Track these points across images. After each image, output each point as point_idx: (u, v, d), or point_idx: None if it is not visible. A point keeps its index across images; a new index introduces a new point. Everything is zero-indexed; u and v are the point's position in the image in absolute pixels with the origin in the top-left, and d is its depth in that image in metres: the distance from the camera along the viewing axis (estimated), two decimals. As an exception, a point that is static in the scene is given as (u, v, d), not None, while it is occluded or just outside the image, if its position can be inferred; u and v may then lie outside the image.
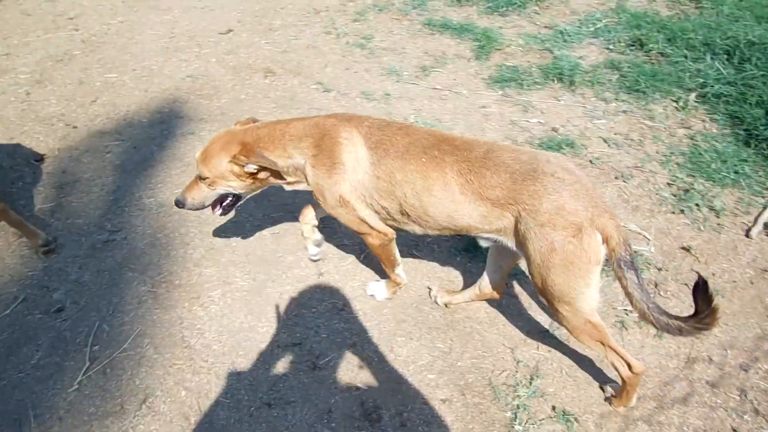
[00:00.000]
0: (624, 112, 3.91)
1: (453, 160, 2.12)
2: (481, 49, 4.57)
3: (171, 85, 4.33)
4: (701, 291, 1.85)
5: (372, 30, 4.96)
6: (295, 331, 2.62)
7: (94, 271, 2.92)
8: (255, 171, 2.41)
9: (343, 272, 2.89)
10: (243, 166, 2.36)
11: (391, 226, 2.44)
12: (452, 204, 2.13)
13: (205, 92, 4.24)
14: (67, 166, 3.58)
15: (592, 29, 4.76)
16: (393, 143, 2.23)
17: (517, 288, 2.79)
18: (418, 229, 2.36)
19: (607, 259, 1.98)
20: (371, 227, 2.40)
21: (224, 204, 2.62)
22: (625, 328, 2.61)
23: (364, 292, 2.78)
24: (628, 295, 1.97)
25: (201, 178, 2.47)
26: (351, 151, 2.26)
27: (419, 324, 2.65)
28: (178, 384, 2.42)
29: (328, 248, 3.01)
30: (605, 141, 3.68)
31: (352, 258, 2.97)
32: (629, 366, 2.13)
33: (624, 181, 3.36)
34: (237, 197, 2.61)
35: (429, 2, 5.32)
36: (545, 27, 4.87)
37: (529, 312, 2.70)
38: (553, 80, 4.21)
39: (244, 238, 3.08)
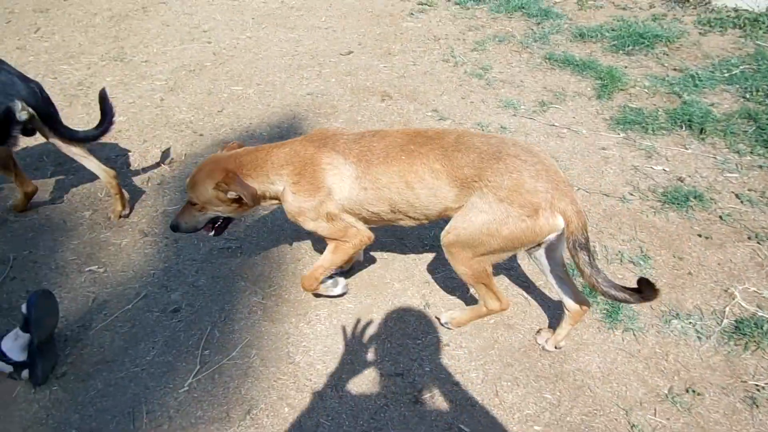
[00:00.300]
0: (760, 167, 3.62)
1: (429, 149, 2.28)
2: (604, 88, 4.41)
3: (292, 101, 4.49)
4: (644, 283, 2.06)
5: (490, 60, 4.93)
6: (398, 361, 2.59)
7: (210, 277, 3.04)
8: (237, 197, 2.44)
9: (450, 306, 2.84)
10: (226, 192, 2.42)
11: (376, 226, 2.58)
12: (434, 189, 2.29)
13: (323, 111, 4.36)
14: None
15: (726, 75, 4.47)
16: (372, 152, 2.36)
17: (633, 347, 2.61)
18: (409, 222, 2.51)
19: (565, 241, 2.16)
20: (357, 231, 2.53)
21: (216, 226, 2.66)
22: (756, 406, 2.37)
23: (472, 326, 2.71)
24: (580, 271, 2.16)
25: (191, 203, 2.54)
26: (335, 173, 2.38)
27: (526, 370, 2.54)
28: (282, 399, 2.45)
29: (436, 281, 2.97)
30: (737, 196, 3.41)
31: (460, 293, 2.91)
32: (499, 299, 2.47)
33: (758, 243, 3.10)
34: (228, 219, 2.67)
35: (551, 36, 5.22)
36: (674, 69, 4.63)
37: (645, 373, 2.52)
38: (680, 126, 3.98)
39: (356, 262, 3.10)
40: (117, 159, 3.92)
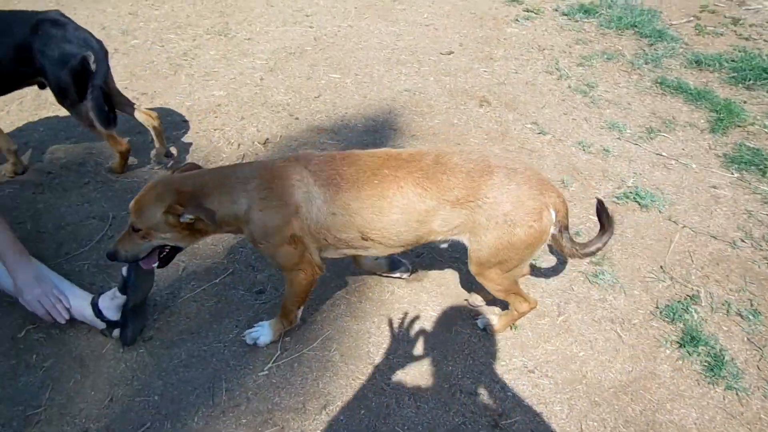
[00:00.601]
0: None
1: (405, 173, 2.18)
2: (719, 121, 4.15)
3: (388, 95, 4.45)
4: (602, 210, 2.38)
5: (596, 78, 4.73)
6: (480, 380, 2.51)
7: (296, 263, 3.04)
8: (191, 221, 2.18)
9: (538, 332, 2.73)
10: (179, 216, 2.15)
11: (344, 254, 2.44)
12: (414, 214, 2.21)
13: (419, 109, 4.30)
14: (285, 155, 3.80)
15: None
16: (342, 176, 2.22)
17: (735, 408, 2.43)
18: (380, 250, 2.39)
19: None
20: (311, 263, 2.37)
21: (161, 256, 2.37)
22: None
23: (559, 356, 2.60)
24: (560, 248, 2.38)
25: (134, 229, 2.23)
26: (305, 191, 2.22)
27: (615, 413, 2.41)
28: (359, 400, 2.42)
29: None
30: None
31: (548, 319, 2.79)
32: (527, 301, 2.54)
33: None
34: (175, 248, 2.36)
35: (664, 59, 4.96)
36: (799, 111, 4.31)
37: (745, 437, 2.34)
38: (802, 173, 3.70)
39: (440, 269, 3.03)
40: (215, 132, 3.99)
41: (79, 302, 2.52)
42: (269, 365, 2.55)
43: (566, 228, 2.34)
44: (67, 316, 2.46)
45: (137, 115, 3.53)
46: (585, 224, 3.29)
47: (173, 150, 3.77)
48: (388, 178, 2.19)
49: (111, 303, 2.53)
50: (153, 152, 3.70)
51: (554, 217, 2.24)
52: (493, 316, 2.73)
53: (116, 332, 2.57)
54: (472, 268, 2.37)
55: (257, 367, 2.54)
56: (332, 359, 2.58)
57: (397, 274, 2.93)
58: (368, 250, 2.38)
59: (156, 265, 2.39)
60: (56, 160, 3.72)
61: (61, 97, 3.10)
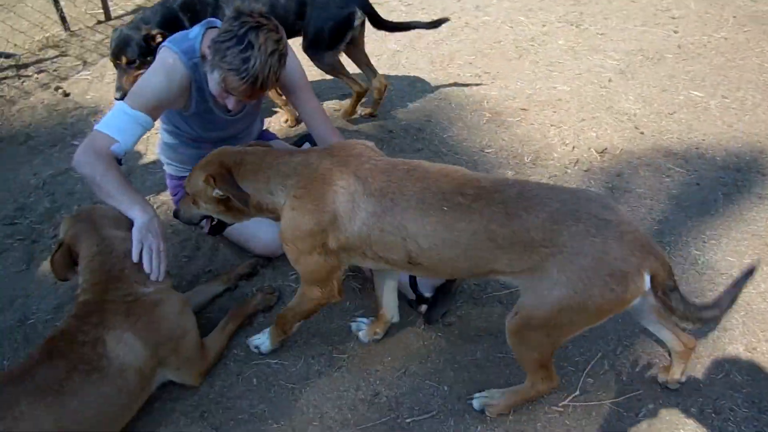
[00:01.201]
0: None
1: (483, 205, 1.86)
2: None
3: (762, 131, 3.69)
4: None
5: None
6: None
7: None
8: (222, 197, 2.13)
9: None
10: (213, 189, 2.10)
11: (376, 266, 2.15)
12: (479, 251, 1.88)
13: (801, 157, 3.47)
14: (623, 171, 3.41)
15: None
16: (403, 191, 1.93)
17: None
18: (425, 274, 2.15)
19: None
20: (333, 284, 2.16)
21: (212, 225, 2.36)
22: None
23: None
24: (672, 311, 1.87)
25: (187, 192, 2.28)
26: (348, 200, 1.96)
27: None
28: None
29: None
30: None
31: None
32: (551, 378, 2.07)
33: None
34: (222, 222, 2.31)
35: None
36: None
37: None
38: None
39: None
40: (550, 128, 3.78)
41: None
42: (565, 402, 2.31)
43: (672, 288, 1.84)
44: (161, 278, 2.23)
45: (373, 80, 3.69)
46: None
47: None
48: (461, 208, 1.87)
49: (427, 280, 2.54)
50: (361, 110, 3.88)
51: (647, 285, 1.80)
52: (494, 392, 2.28)
53: (423, 307, 2.59)
54: (513, 325, 1.94)
55: (553, 398, 2.32)
56: (637, 424, 2.22)
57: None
58: (406, 270, 2.15)
59: (207, 232, 2.44)
60: (398, 120, 3.92)
61: (314, 46, 3.40)
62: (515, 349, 2.06)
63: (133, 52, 3.15)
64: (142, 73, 2.93)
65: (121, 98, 3.00)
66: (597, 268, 1.76)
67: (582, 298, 1.77)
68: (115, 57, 3.20)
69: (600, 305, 1.79)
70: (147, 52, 3.13)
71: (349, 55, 3.66)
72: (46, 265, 2.88)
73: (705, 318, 1.92)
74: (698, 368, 2.39)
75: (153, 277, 2.21)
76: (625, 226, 1.82)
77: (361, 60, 3.71)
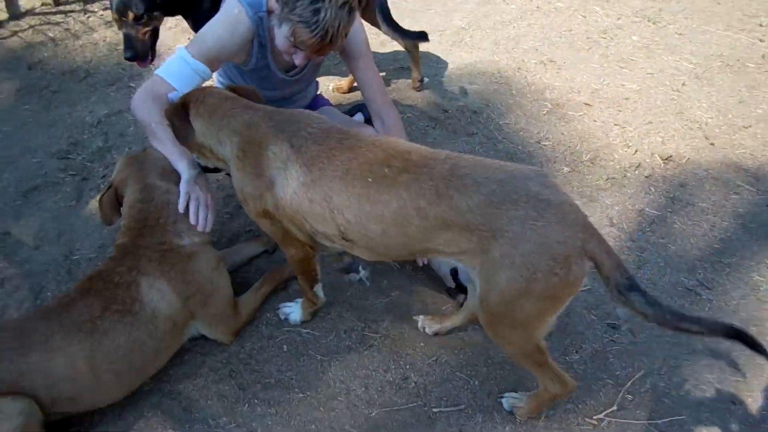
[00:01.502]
0: None
1: (408, 179, 1.77)
2: None
3: None
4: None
5: None
6: None
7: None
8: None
9: None
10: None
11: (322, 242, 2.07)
12: (407, 228, 1.80)
13: None
14: (688, 182, 3.23)
15: None
16: (331, 159, 1.87)
17: None
18: (366, 255, 2.02)
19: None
20: (299, 240, 2.10)
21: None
22: None
23: None
24: (641, 314, 1.73)
25: None
26: (279, 167, 1.93)
27: None
28: None
29: None
30: None
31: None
32: (561, 381, 1.98)
33: None
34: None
35: None
36: None
37: None
38: None
39: None
40: (614, 127, 3.61)
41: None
42: (600, 415, 2.21)
43: (629, 287, 1.71)
44: (208, 229, 2.25)
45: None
46: None
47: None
48: (385, 180, 1.79)
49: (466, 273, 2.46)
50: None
51: (588, 268, 1.71)
52: (522, 395, 2.21)
53: (462, 297, 2.51)
54: (482, 317, 1.89)
55: (591, 409, 2.23)
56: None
57: None
58: (351, 250, 2.03)
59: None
60: (455, 101, 3.80)
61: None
62: (498, 344, 2.04)
63: (139, 7, 2.78)
64: (149, 31, 2.87)
65: (132, 58, 2.87)
66: (539, 252, 1.68)
67: (527, 282, 1.70)
68: (120, 13, 2.80)
69: (545, 290, 1.71)
70: (154, 6, 2.81)
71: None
72: (94, 204, 2.89)
73: (682, 328, 1.75)
74: (749, 400, 2.26)
75: (200, 228, 2.21)
76: (567, 206, 1.73)
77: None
